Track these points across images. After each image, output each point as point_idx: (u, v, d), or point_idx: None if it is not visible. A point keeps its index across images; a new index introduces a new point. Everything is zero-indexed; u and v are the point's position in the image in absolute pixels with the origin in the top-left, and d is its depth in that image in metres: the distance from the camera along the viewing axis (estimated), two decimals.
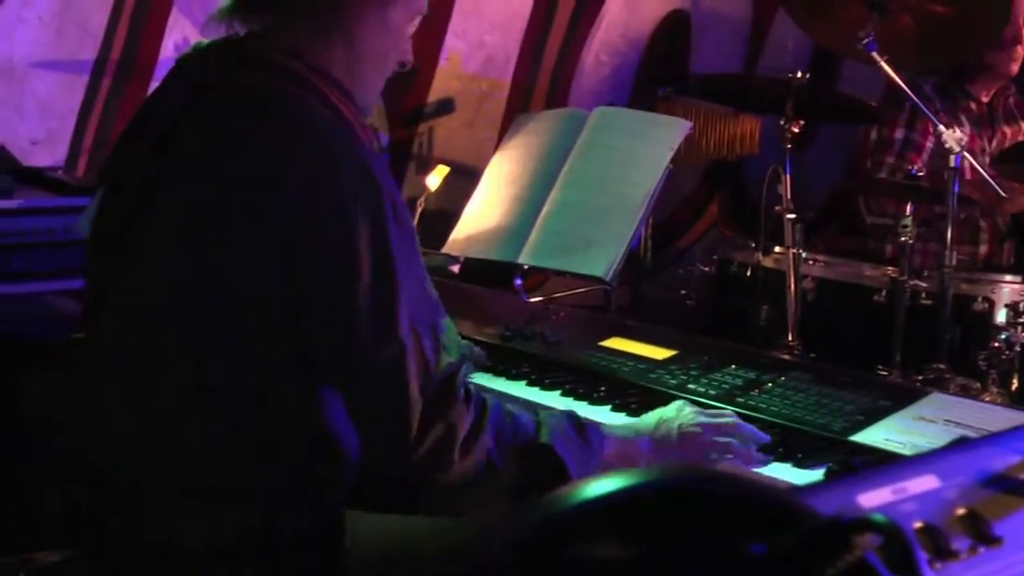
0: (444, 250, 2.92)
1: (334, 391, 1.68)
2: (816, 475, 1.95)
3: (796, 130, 3.37)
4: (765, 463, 1.98)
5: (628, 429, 1.97)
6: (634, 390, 2.31)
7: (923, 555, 0.75)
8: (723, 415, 2.03)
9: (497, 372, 2.43)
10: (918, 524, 0.77)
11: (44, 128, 3.44)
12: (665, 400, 2.12)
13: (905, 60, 3.50)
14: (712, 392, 2.26)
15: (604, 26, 4.47)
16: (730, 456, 1.96)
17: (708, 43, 4.73)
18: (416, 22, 1.91)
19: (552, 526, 0.60)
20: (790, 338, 3.21)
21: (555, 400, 2.28)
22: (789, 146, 3.37)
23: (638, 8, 4.55)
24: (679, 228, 4.82)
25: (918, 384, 3.11)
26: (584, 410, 2.18)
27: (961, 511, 0.80)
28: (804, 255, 3.41)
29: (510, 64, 4.29)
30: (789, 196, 3.29)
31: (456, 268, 2.91)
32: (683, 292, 3.65)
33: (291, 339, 1.67)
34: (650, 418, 2.00)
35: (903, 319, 3.26)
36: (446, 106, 4.16)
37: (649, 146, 2.78)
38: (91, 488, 1.82)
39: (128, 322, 1.78)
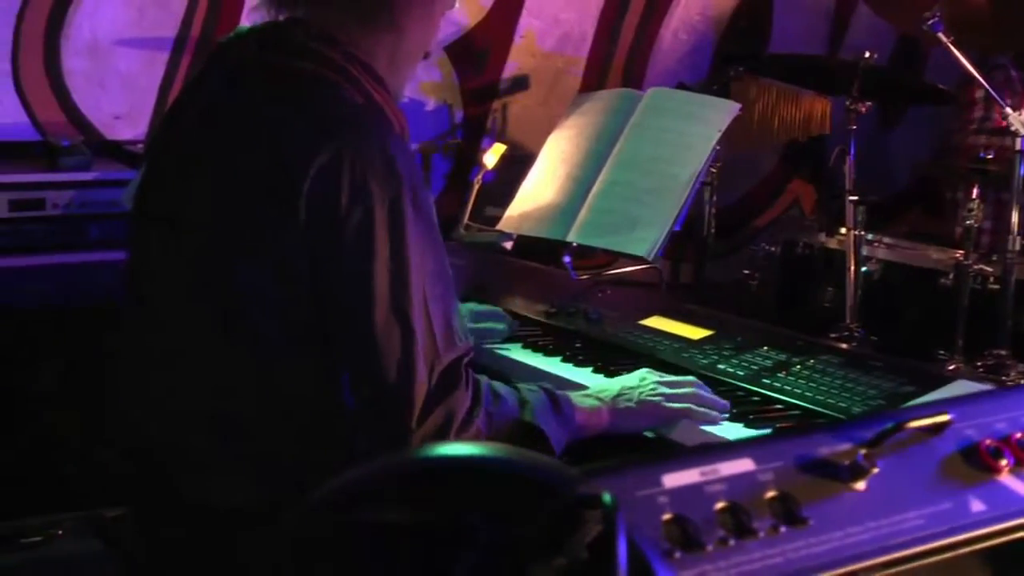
0: (498, 227, 3.01)
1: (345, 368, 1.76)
2: None
3: (863, 111, 3.38)
4: (720, 421, 2.11)
5: (592, 399, 2.06)
6: (661, 368, 2.36)
7: (720, 533, 0.80)
8: (683, 383, 2.13)
9: (535, 348, 2.51)
10: (721, 504, 0.83)
11: (126, 103, 3.58)
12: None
13: (978, 40, 3.47)
14: (740, 373, 2.31)
15: (683, 3, 4.48)
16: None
17: (789, 23, 4.71)
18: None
19: (348, 493, 0.68)
20: (848, 320, 3.22)
21: (586, 377, 2.34)
22: (854, 127, 3.37)
23: None
24: (756, 208, 4.82)
25: (979, 370, 3.12)
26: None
27: (771, 493, 0.86)
28: (870, 237, 3.42)
29: (586, 41, 4.34)
30: (852, 177, 3.30)
31: (509, 245, 2.98)
32: (746, 272, 3.66)
33: (314, 315, 1.76)
34: (613, 386, 2.11)
35: (966, 303, 3.24)
36: (520, 83, 4.22)
37: (698, 127, 2.82)
38: (137, 449, 1.93)
39: (168, 294, 1.88)
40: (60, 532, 2.47)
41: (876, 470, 0.95)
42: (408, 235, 1.74)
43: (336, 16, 1.86)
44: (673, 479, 0.84)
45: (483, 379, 1.90)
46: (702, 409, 2.10)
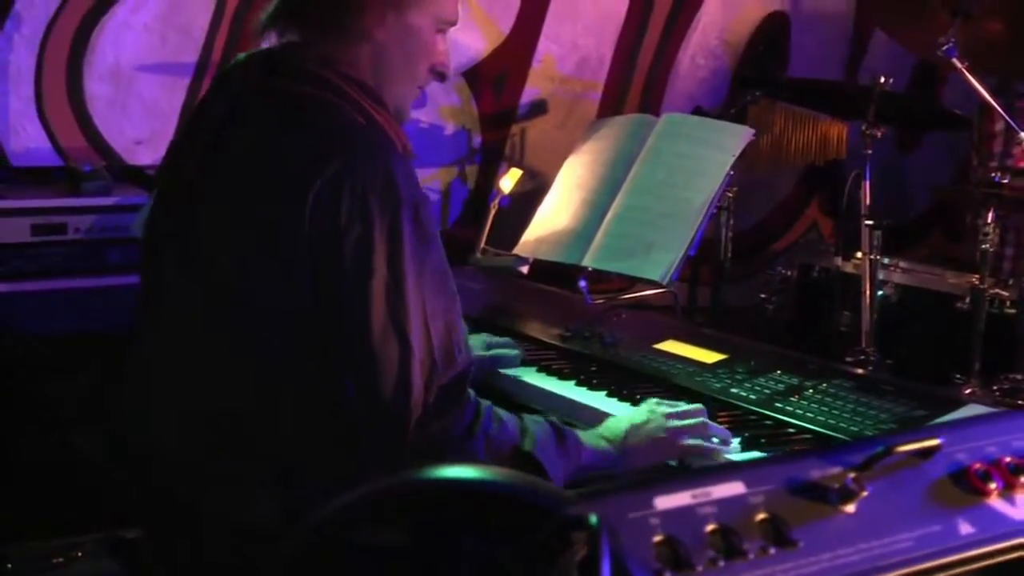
0: (515, 251, 3.04)
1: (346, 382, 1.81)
2: None
3: (879, 135, 3.41)
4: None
5: (601, 440, 2.07)
6: (674, 392, 2.39)
7: (710, 554, 0.84)
8: (691, 413, 2.13)
9: (549, 371, 2.54)
10: (711, 527, 0.86)
11: (148, 128, 3.65)
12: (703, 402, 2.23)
13: (994, 65, 3.50)
14: (752, 397, 2.33)
15: (701, 28, 4.53)
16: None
17: (807, 47, 4.75)
18: (447, 31, 2.02)
19: (342, 515, 0.71)
20: (864, 344, 3.24)
21: (600, 401, 2.37)
22: (870, 151, 3.41)
23: (736, 10, 4.59)
24: (773, 232, 4.84)
25: (996, 394, 3.14)
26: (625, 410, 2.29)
27: (762, 516, 0.89)
28: (886, 261, 3.45)
29: (604, 66, 4.38)
30: (868, 202, 3.33)
31: (525, 269, 3.02)
32: (763, 297, 3.69)
33: (319, 332, 1.80)
34: (622, 425, 2.10)
35: (983, 328, 3.26)
36: (538, 108, 4.27)
37: (712, 152, 2.85)
38: (153, 468, 1.98)
39: (180, 317, 1.93)
40: (80, 554, 2.52)
41: (866, 493, 0.99)
42: (406, 251, 1.79)
43: (322, 38, 1.91)
44: (665, 501, 0.88)
45: (486, 402, 1.94)
46: (711, 444, 2.10)
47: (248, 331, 1.84)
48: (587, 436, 2.06)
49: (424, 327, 1.81)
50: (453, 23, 2.02)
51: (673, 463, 2.09)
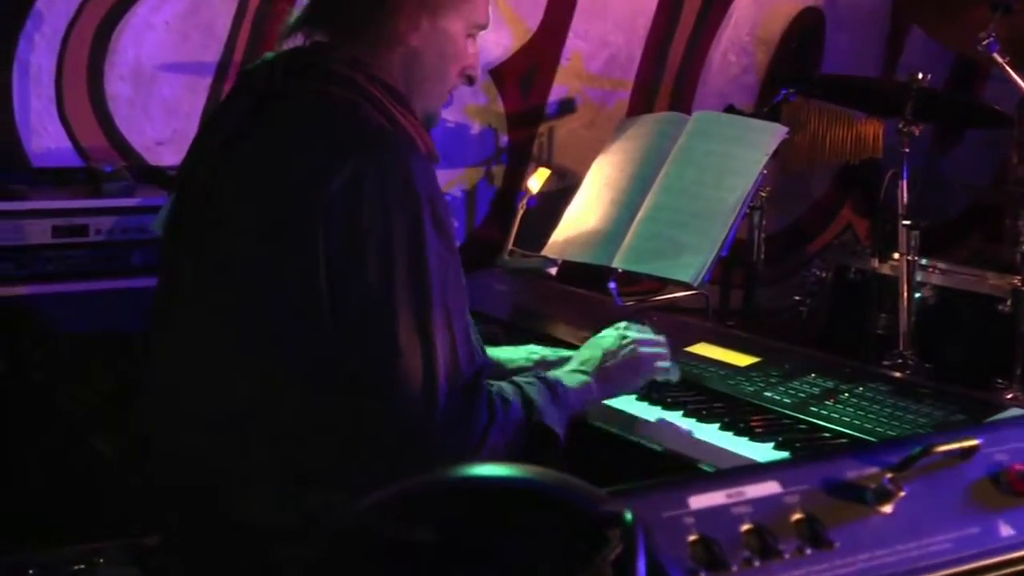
0: (543, 252, 3.06)
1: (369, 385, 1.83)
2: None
3: (917, 133, 3.40)
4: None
5: (581, 375, 2.17)
6: (705, 396, 2.40)
7: (745, 554, 0.85)
8: (657, 340, 2.32)
9: None
10: (746, 526, 0.87)
11: (169, 128, 3.68)
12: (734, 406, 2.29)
13: None
14: (787, 400, 2.34)
15: (733, 24, 4.53)
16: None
17: (842, 43, 4.74)
18: (479, 35, 2.04)
19: (375, 512, 0.73)
20: (901, 347, 3.24)
21: (630, 405, 2.37)
22: (907, 150, 3.40)
23: (769, 6, 4.59)
24: (807, 233, 4.84)
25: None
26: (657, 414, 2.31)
27: (797, 516, 0.90)
28: (924, 262, 3.44)
29: (633, 64, 4.39)
30: (905, 202, 3.33)
31: (554, 271, 3.03)
32: (797, 299, 3.69)
33: (339, 334, 1.82)
34: (597, 352, 2.23)
35: None
36: (567, 107, 4.27)
37: (744, 151, 2.86)
38: (173, 471, 2.00)
39: (198, 319, 1.96)
40: (101, 560, 2.54)
41: (903, 494, 0.99)
42: (429, 253, 1.82)
43: (352, 40, 1.95)
44: (699, 500, 0.89)
45: (493, 387, 1.97)
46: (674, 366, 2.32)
47: (266, 332, 1.86)
48: (569, 378, 2.15)
49: (448, 328, 1.83)
50: (485, 27, 2.07)
51: (659, 448, 2.23)
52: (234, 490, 1.89)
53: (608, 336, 2.29)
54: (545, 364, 2.41)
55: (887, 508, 0.98)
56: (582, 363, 2.22)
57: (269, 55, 2.02)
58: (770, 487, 0.92)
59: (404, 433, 1.82)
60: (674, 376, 2.34)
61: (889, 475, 1.00)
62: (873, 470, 1.00)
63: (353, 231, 1.79)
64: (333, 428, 1.86)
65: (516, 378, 2.06)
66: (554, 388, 2.07)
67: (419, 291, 1.81)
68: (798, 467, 0.99)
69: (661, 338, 2.34)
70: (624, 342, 2.25)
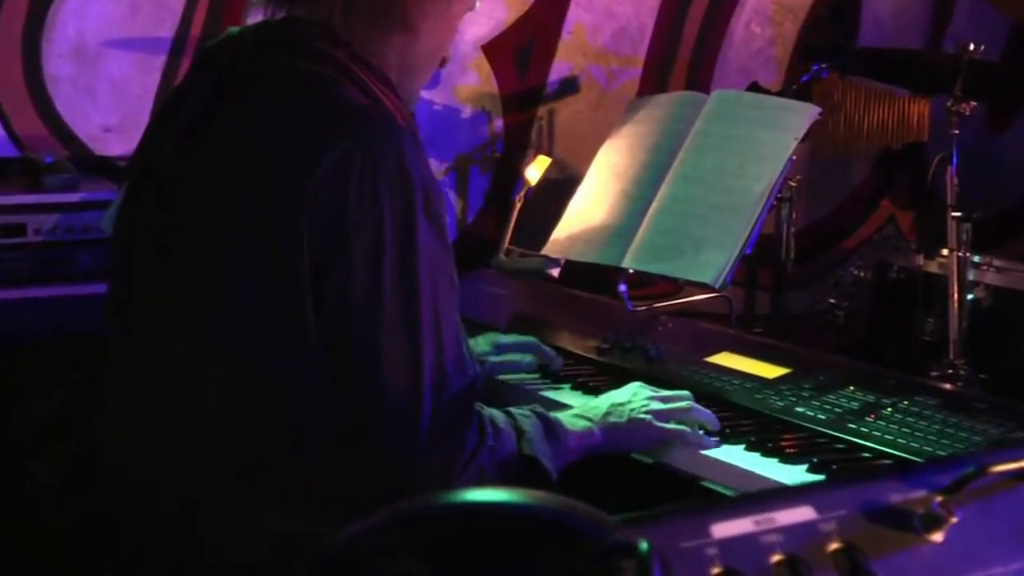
0: (544, 251, 3.06)
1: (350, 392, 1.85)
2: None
3: (967, 113, 3.41)
4: (717, 446, 2.25)
5: (583, 421, 2.19)
6: (729, 412, 2.41)
7: None
8: (678, 398, 2.29)
9: (587, 389, 2.56)
10: (777, 557, 0.87)
11: (118, 113, 3.68)
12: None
13: None
14: (821, 417, 2.35)
15: None
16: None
17: (882, 11, 4.75)
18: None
19: (357, 543, 0.73)
20: (951, 355, 3.25)
21: None
22: (957, 132, 3.41)
23: None
24: (843, 228, 4.84)
25: None
26: None
27: (835, 545, 0.90)
28: (977, 259, 3.46)
29: (644, 37, 4.39)
30: (955, 191, 3.34)
31: (556, 272, 3.03)
32: (832, 302, 3.70)
33: (318, 336, 1.83)
34: (602, 403, 2.24)
35: None
36: (569, 87, 4.28)
37: (772, 134, 2.87)
38: (128, 500, 2.00)
39: (160, 324, 1.96)
40: None
41: (954, 520, 0.99)
42: (420, 248, 1.84)
43: (341, 14, 1.96)
44: (723, 528, 0.89)
45: (481, 410, 2.00)
46: (698, 433, 2.24)
47: (236, 337, 1.87)
48: (569, 420, 2.18)
49: (436, 332, 1.86)
50: (474, 8, 2.13)
51: (649, 460, 2.24)
52: (202, 517, 1.90)
53: (621, 391, 2.31)
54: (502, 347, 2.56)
55: (937, 536, 0.98)
56: (586, 409, 2.25)
57: (233, 29, 2.04)
58: (803, 513, 0.92)
59: (383, 450, 1.85)
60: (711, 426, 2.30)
61: (939, 499, 0.99)
62: (921, 493, 1.00)
63: (342, 221, 1.80)
64: (310, 445, 1.88)
65: (511, 408, 2.10)
66: (551, 425, 2.11)
67: (408, 293, 1.83)
68: (835, 490, 0.99)
69: (681, 396, 2.32)
70: (635, 398, 2.26)
